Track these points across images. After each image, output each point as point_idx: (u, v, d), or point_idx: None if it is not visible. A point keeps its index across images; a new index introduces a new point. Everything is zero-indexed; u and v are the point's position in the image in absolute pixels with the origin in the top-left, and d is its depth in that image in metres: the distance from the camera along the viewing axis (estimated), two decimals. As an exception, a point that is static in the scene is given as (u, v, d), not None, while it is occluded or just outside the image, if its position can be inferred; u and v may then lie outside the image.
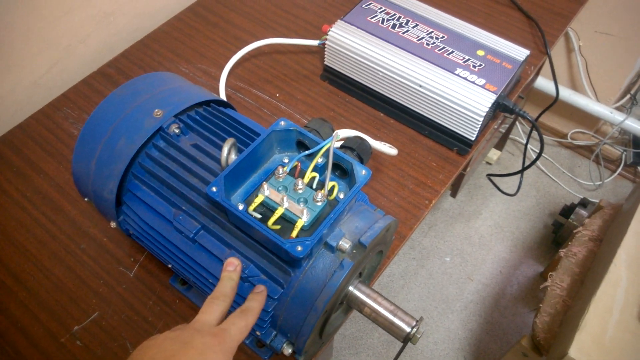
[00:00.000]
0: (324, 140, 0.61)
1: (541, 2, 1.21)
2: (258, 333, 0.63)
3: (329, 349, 0.91)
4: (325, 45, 1.02)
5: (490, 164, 2.05)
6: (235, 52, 1.06)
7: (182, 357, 0.47)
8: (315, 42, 1.07)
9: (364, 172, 0.60)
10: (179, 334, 0.50)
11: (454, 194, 1.51)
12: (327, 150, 0.61)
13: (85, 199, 0.74)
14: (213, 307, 0.54)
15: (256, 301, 0.58)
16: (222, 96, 1.02)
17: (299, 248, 0.53)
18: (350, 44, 0.98)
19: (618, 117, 1.75)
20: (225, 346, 0.50)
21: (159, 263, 0.83)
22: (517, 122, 1.98)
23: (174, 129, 0.67)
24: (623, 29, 1.67)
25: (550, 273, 1.26)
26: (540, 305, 1.21)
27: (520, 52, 0.97)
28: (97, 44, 1.12)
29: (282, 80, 1.07)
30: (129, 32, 1.17)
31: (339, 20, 1.01)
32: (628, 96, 1.87)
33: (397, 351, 0.69)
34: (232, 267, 0.59)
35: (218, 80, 1.04)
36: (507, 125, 1.72)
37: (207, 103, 0.73)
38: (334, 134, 0.61)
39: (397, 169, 0.95)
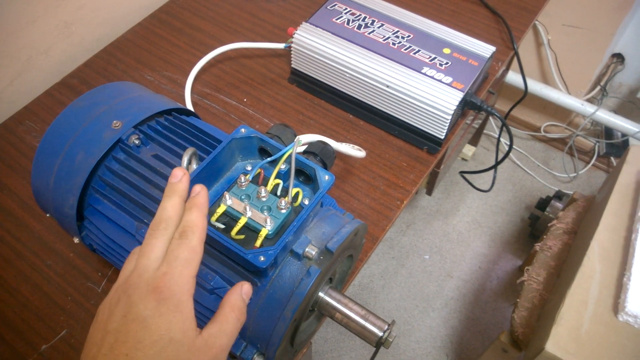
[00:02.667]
0: (286, 146, 0.60)
1: (507, -3, 1.22)
2: (228, 345, 0.62)
3: (307, 355, 0.90)
4: (291, 48, 1.01)
5: (465, 160, 2.06)
6: (200, 58, 1.05)
7: (125, 340, 0.39)
8: (281, 45, 1.06)
9: (327, 177, 0.59)
10: (119, 298, 0.42)
11: (429, 192, 1.51)
12: (290, 156, 0.60)
13: (48, 215, 0.72)
14: (151, 243, 0.43)
15: (194, 211, 0.45)
16: (188, 103, 1.01)
17: (262, 258, 0.52)
18: (316, 46, 0.97)
19: (589, 108, 1.77)
20: (173, 298, 0.40)
21: (127, 276, 0.82)
22: (490, 118, 1.99)
23: (134, 140, 0.65)
24: (590, 21, 1.69)
25: (526, 267, 1.26)
26: (518, 300, 1.21)
27: (486, 49, 0.97)
28: (60, 54, 1.10)
29: (249, 85, 1.06)
30: (92, 42, 1.15)
31: (303, 23, 1.00)
32: (598, 88, 1.89)
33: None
34: (176, 178, 0.47)
35: (184, 88, 1.03)
36: (480, 121, 1.72)
37: (169, 112, 0.72)
38: (295, 140, 0.60)
39: (367, 171, 0.94)
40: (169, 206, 0.45)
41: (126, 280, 0.42)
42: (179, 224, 0.45)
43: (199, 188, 0.47)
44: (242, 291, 0.47)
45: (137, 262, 0.43)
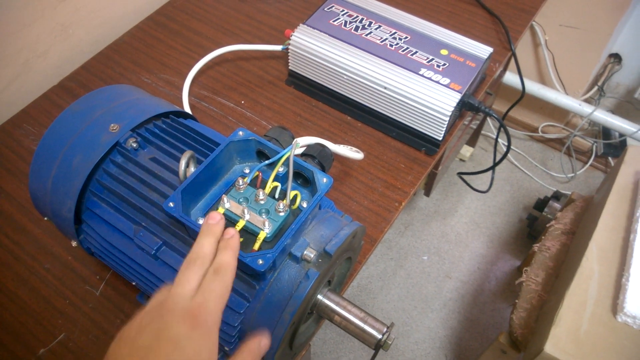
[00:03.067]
0: (284, 149, 0.60)
1: (504, -2, 1.22)
2: (227, 348, 0.62)
3: (306, 357, 0.90)
4: (289, 50, 1.01)
5: (463, 160, 2.06)
6: (197, 60, 1.05)
7: (157, 357, 0.41)
8: (278, 47, 1.06)
9: (325, 179, 0.59)
10: (152, 319, 0.44)
11: (427, 193, 1.51)
12: (288, 159, 0.60)
13: (45, 218, 0.72)
14: (188, 275, 0.46)
15: (228, 251, 0.49)
16: (186, 106, 1.01)
17: (260, 261, 0.52)
18: (313, 47, 0.97)
19: (587, 109, 1.77)
20: (205, 328, 0.43)
21: (125, 280, 0.81)
22: (487, 118, 1.99)
23: (132, 143, 0.65)
24: (587, 22, 1.69)
25: (524, 268, 1.26)
26: (516, 300, 1.21)
27: (483, 50, 0.97)
28: (57, 57, 1.10)
29: (246, 87, 1.06)
30: (89, 44, 1.15)
31: (301, 24, 1.00)
32: (595, 88, 1.89)
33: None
34: (214, 221, 0.50)
35: (181, 90, 1.03)
36: (478, 122, 1.72)
37: (166, 115, 0.72)
38: (293, 142, 0.60)
39: (366, 172, 0.94)
40: (207, 244, 0.49)
41: (161, 305, 0.45)
42: (212, 261, 0.48)
43: (233, 232, 0.50)
44: (260, 342, 0.50)
45: (173, 290, 0.45)
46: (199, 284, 0.46)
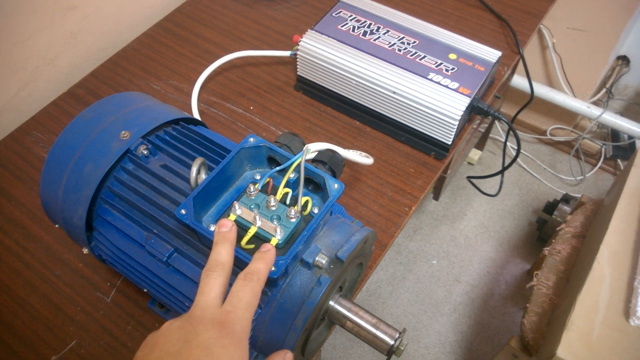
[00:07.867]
0: (295, 155, 0.60)
1: (512, 2, 1.22)
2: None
3: (316, 363, 0.90)
4: (297, 56, 1.01)
5: (472, 164, 2.05)
6: (206, 67, 1.05)
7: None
8: (287, 53, 1.06)
9: (336, 185, 0.59)
10: (181, 326, 0.44)
11: (436, 196, 1.51)
12: (299, 165, 0.60)
13: (56, 226, 0.72)
14: (210, 283, 0.46)
15: (262, 261, 0.50)
16: (195, 112, 1.01)
17: (273, 268, 0.52)
18: (321, 53, 0.97)
19: (595, 111, 1.77)
20: (235, 335, 0.43)
21: (136, 287, 0.82)
22: (496, 122, 1.99)
23: (142, 151, 0.65)
24: (595, 24, 1.68)
25: (535, 272, 1.26)
26: (527, 305, 1.20)
27: (492, 54, 0.97)
28: (66, 64, 1.11)
29: (255, 93, 1.06)
30: (98, 51, 1.15)
31: (309, 30, 1.00)
32: (604, 90, 1.89)
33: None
34: (226, 228, 0.51)
35: (190, 96, 1.03)
36: (486, 125, 1.72)
37: (177, 121, 0.72)
38: (304, 148, 0.60)
39: (375, 177, 0.94)
40: (224, 252, 0.49)
41: (189, 314, 0.45)
42: (231, 267, 0.49)
43: (269, 246, 0.52)
44: (285, 356, 0.51)
45: (197, 300, 0.46)
46: (223, 291, 0.46)
